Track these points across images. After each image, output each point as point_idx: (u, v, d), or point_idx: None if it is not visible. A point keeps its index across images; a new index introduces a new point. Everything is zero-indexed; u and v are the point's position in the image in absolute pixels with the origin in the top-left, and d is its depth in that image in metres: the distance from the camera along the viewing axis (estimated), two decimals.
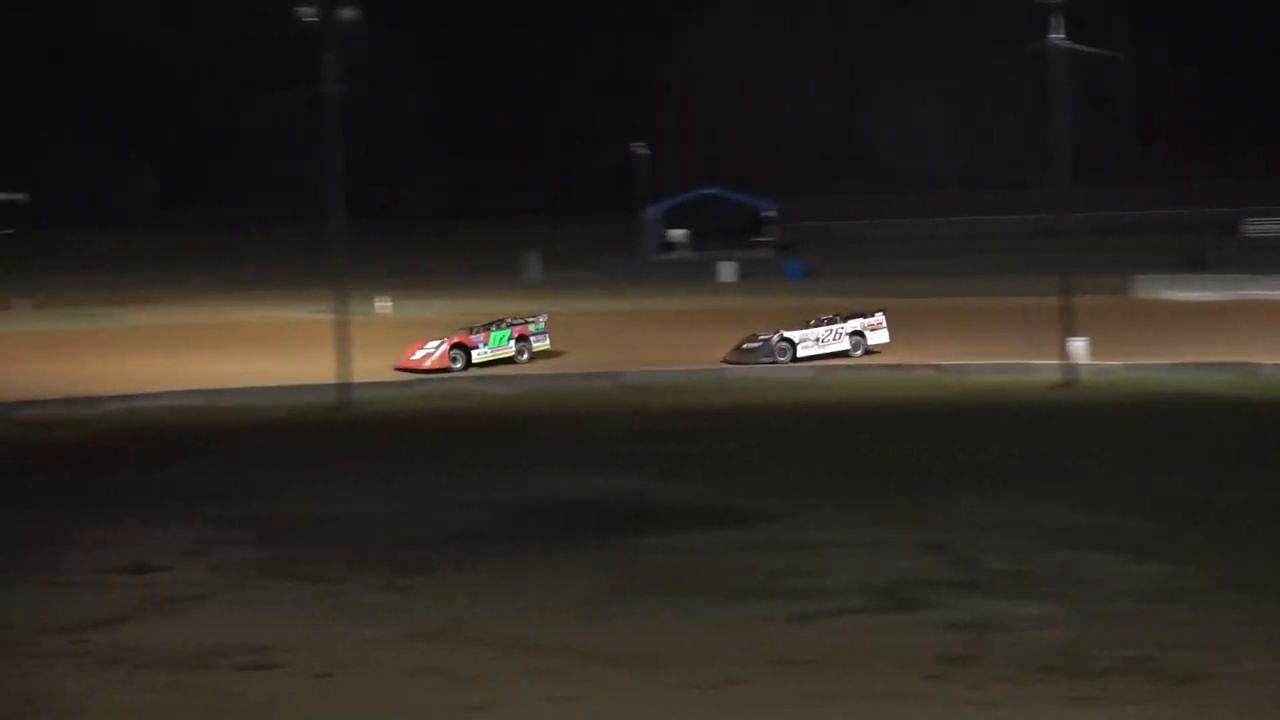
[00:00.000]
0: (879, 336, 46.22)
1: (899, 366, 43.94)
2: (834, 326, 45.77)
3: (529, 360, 45.85)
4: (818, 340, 45.33)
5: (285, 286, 64.27)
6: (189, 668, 19.10)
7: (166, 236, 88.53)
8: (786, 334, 45.07)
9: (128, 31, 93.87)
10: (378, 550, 25.36)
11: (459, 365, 44.78)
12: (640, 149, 74.80)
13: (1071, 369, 41.30)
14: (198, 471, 32.62)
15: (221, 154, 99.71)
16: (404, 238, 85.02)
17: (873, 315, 46.57)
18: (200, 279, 71.05)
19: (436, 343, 45.28)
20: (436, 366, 44.60)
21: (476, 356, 45.29)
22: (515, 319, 47.32)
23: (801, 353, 44.83)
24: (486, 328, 46.25)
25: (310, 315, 51.84)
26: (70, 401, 40.16)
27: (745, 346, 45.29)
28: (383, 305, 56.80)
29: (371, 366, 42.57)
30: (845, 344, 45.47)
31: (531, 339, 46.43)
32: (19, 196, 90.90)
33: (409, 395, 42.17)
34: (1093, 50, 45.54)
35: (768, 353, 44.56)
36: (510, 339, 46.09)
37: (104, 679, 18.80)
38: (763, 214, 72.29)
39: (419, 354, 45.23)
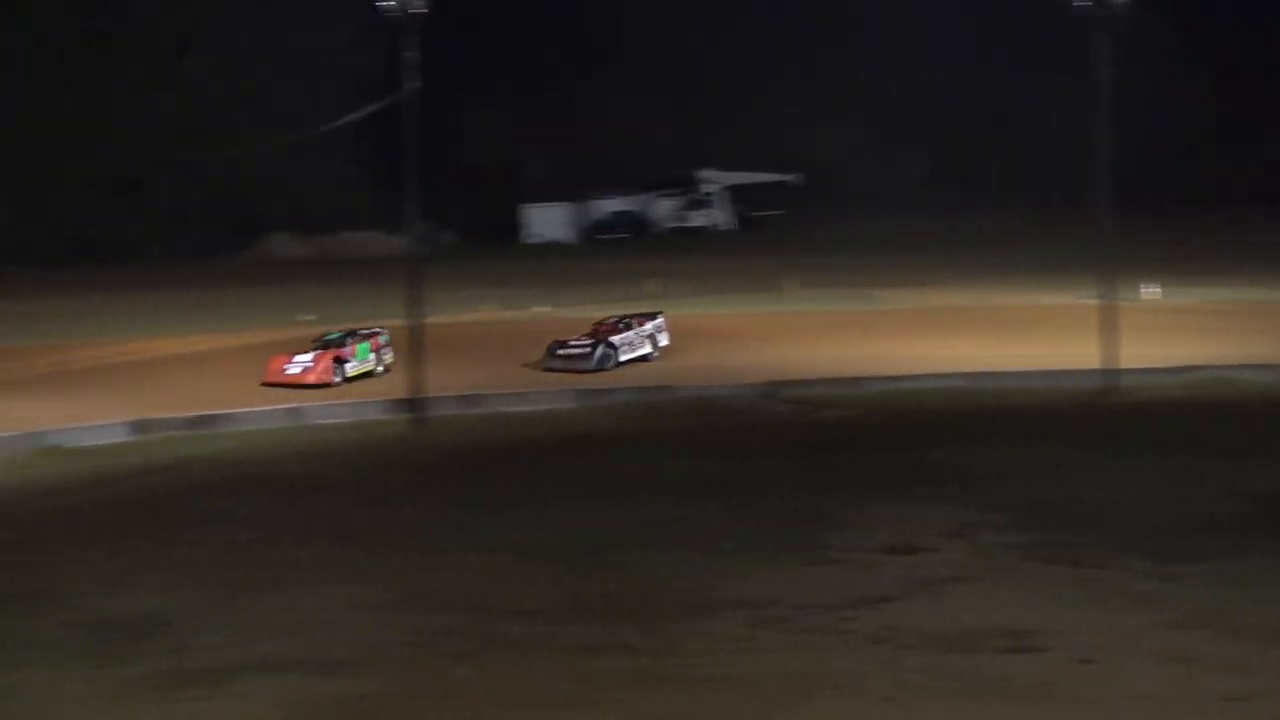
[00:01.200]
0: (664, 339, 45.45)
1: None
2: (638, 330, 44.77)
3: (385, 373, 43.29)
4: (630, 344, 44.42)
5: (1049, 272, 63.00)
6: (951, 649, 19.03)
7: (932, 219, 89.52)
8: (613, 339, 43.80)
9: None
10: (1139, 536, 24.64)
11: (338, 379, 42.05)
12: None
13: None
14: (957, 454, 32.36)
15: (991, 138, 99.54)
16: (1174, 224, 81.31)
17: (657, 317, 45.95)
18: (965, 263, 71.08)
19: (311, 355, 42.34)
20: (319, 380, 41.67)
21: (349, 370, 42.69)
22: (366, 329, 44.71)
23: (622, 358, 43.83)
24: (344, 341, 43.51)
25: (1074, 301, 50.47)
26: (835, 381, 41.09)
27: (565, 353, 43.54)
28: (1150, 292, 54.46)
29: (1139, 353, 40.76)
30: (647, 347, 44.75)
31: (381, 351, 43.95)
32: (792, 178, 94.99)
33: (1175, 383, 40.25)
34: None
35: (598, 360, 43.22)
36: (370, 352, 43.58)
37: (870, 657, 18.96)
38: None
39: (293, 368, 42.17)
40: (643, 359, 44.61)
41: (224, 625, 21.41)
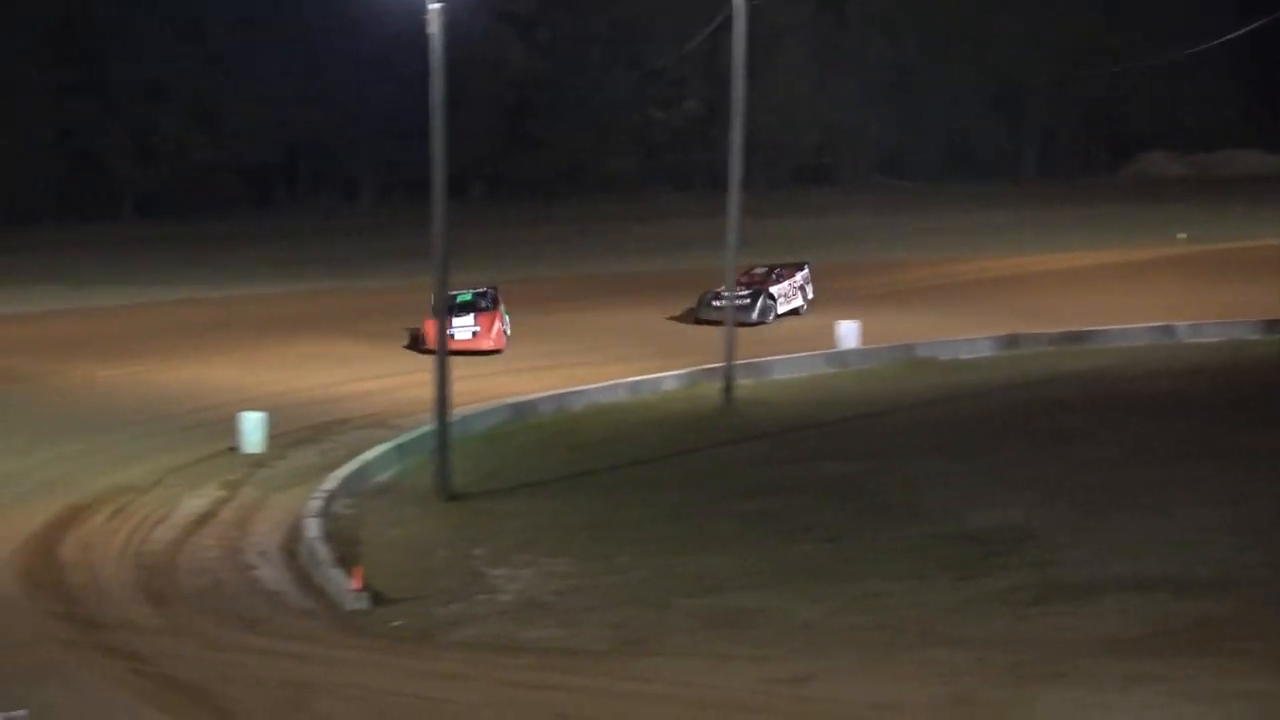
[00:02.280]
0: (811, 291, 43.33)
1: None
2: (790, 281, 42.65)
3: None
4: (786, 296, 42.45)
5: None
6: None
7: None
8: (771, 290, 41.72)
9: None
10: None
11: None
12: None
13: None
14: None
15: None
16: None
17: (804, 268, 43.66)
18: None
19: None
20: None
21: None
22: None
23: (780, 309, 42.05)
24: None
25: None
26: None
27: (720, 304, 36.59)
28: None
29: None
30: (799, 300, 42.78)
31: None
32: None
33: None
34: None
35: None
36: None
37: None
38: None
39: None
40: (794, 312, 41.94)
41: (1087, 542, 21.23)
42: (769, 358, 35.80)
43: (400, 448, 27.53)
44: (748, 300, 39.95)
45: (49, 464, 27.54)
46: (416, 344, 36.92)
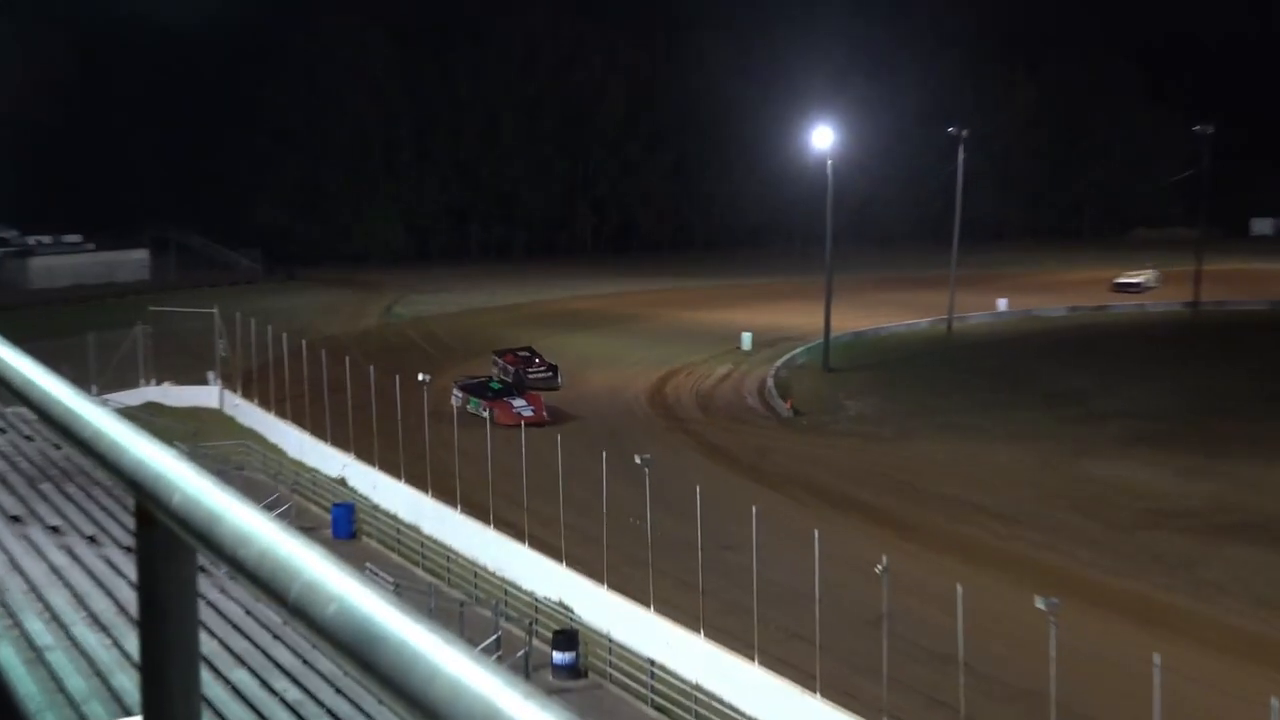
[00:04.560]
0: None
1: None
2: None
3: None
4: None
5: None
6: None
7: None
8: None
9: None
10: None
11: None
12: None
13: None
14: None
15: None
16: None
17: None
18: None
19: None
20: None
21: None
22: None
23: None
24: None
25: None
26: None
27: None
28: None
29: None
30: None
31: None
32: None
33: None
34: None
35: None
36: None
37: None
38: None
39: None
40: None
41: (1108, 397, 45.36)
42: (970, 314, 62.62)
43: (808, 349, 53.49)
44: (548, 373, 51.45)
45: (657, 352, 55.67)
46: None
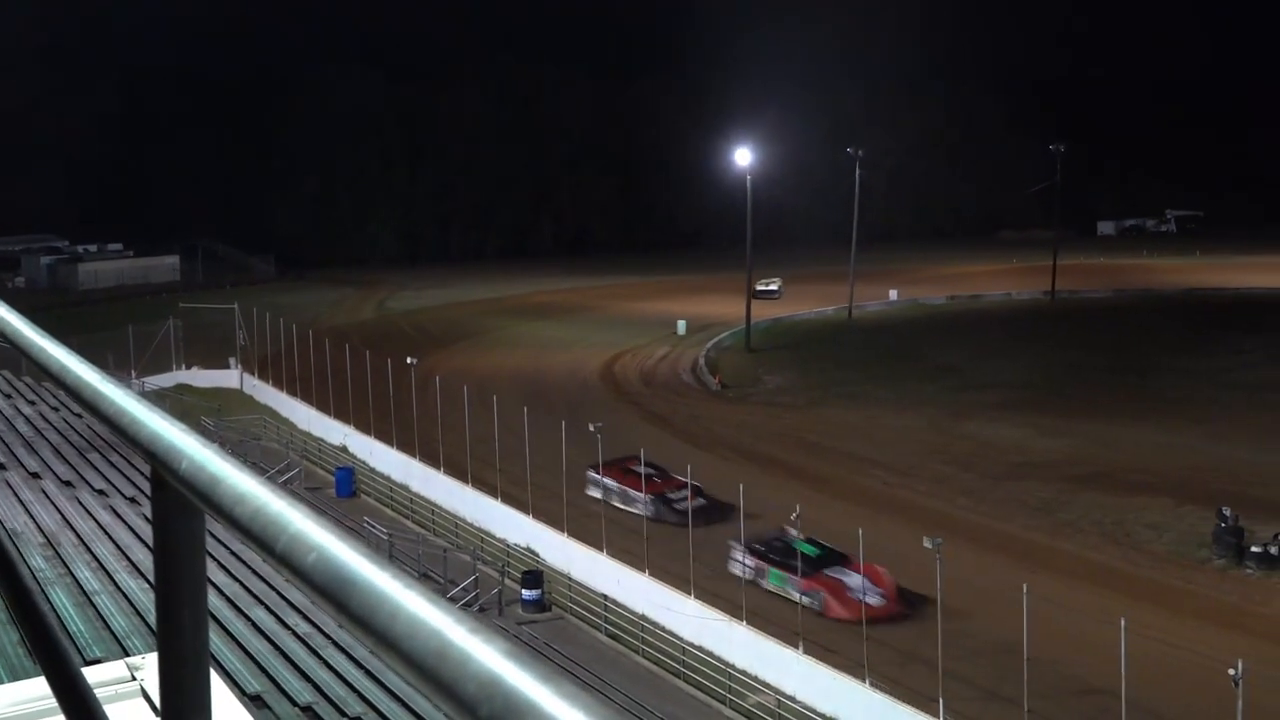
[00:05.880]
0: None
1: None
2: None
3: None
4: None
5: None
6: None
7: None
8: None
9: None
10: None
11: None
12: None
13: None
14: None
15: None
16: None
17: None
18: None
19: None
20: None
21: None
22: None
23: None
24: None
25: None
26: None
27: None
28: None
29: None
30: None
31: None
32: None
33: None
34: None
35: None
36: None
37: None
38: None
39: None
40: None
41: (983, 369, 44.65)
42: (867, 303, 62.30)
43: (733, 333, 53.95)
44: None
45: (607, 337, 55.58)
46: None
